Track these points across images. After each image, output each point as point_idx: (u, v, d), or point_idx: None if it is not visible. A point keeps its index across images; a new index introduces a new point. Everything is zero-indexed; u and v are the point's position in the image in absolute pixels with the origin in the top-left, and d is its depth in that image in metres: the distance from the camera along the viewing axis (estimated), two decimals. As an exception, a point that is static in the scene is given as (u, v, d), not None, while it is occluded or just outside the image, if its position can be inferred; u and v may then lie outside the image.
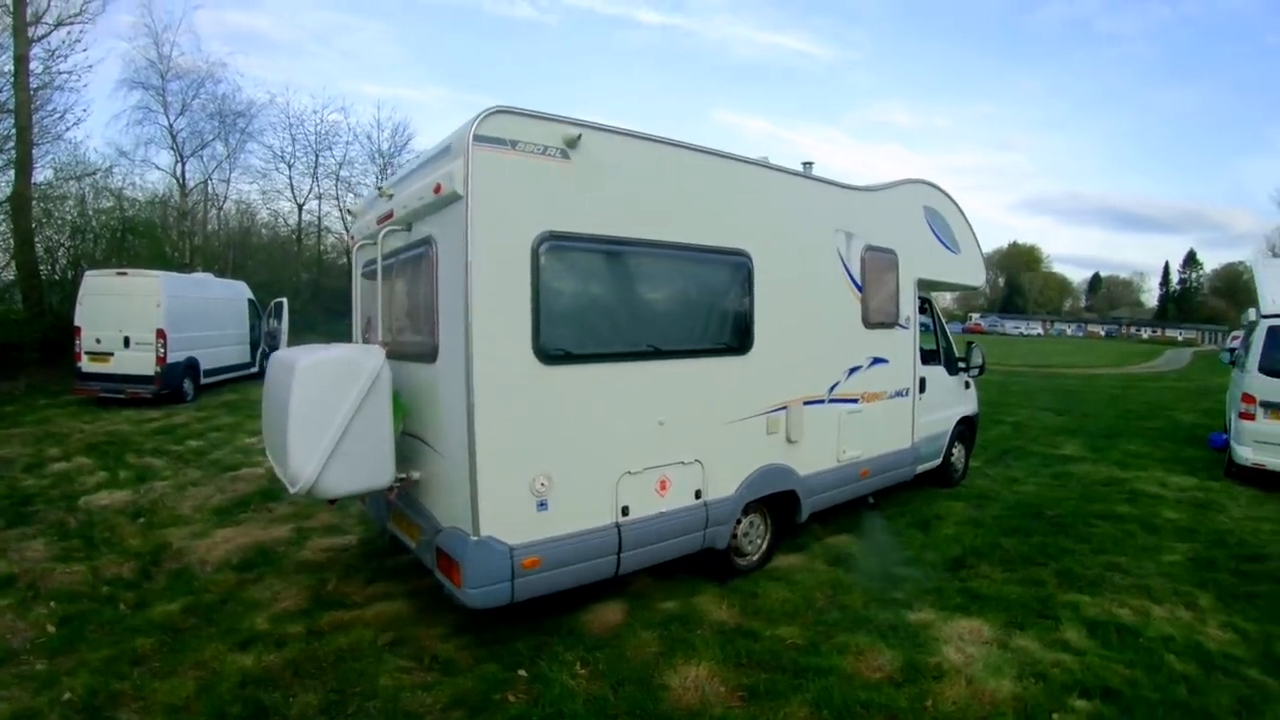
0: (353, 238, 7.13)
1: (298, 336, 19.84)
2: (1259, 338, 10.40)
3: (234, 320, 19.44)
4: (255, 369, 20.38)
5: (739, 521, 6.41)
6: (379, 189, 6.19)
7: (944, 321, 9.69)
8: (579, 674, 4.74)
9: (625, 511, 5.39)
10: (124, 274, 16.41)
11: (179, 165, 34.55)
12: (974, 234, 9.70)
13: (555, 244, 4.93)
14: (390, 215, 5.71)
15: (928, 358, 9.03)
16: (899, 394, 8.23)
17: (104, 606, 5.83)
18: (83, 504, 8.46)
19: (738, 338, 6.23)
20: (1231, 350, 16.29)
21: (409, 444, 5.43)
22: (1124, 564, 6.90)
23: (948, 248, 9.11)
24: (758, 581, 6.29)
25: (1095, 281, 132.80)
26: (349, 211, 7.53)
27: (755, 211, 6.41)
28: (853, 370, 7.50)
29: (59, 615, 5.63)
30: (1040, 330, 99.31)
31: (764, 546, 6.77)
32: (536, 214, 4.86)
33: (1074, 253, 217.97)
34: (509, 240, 4.74)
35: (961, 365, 9.90)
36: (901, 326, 8.22)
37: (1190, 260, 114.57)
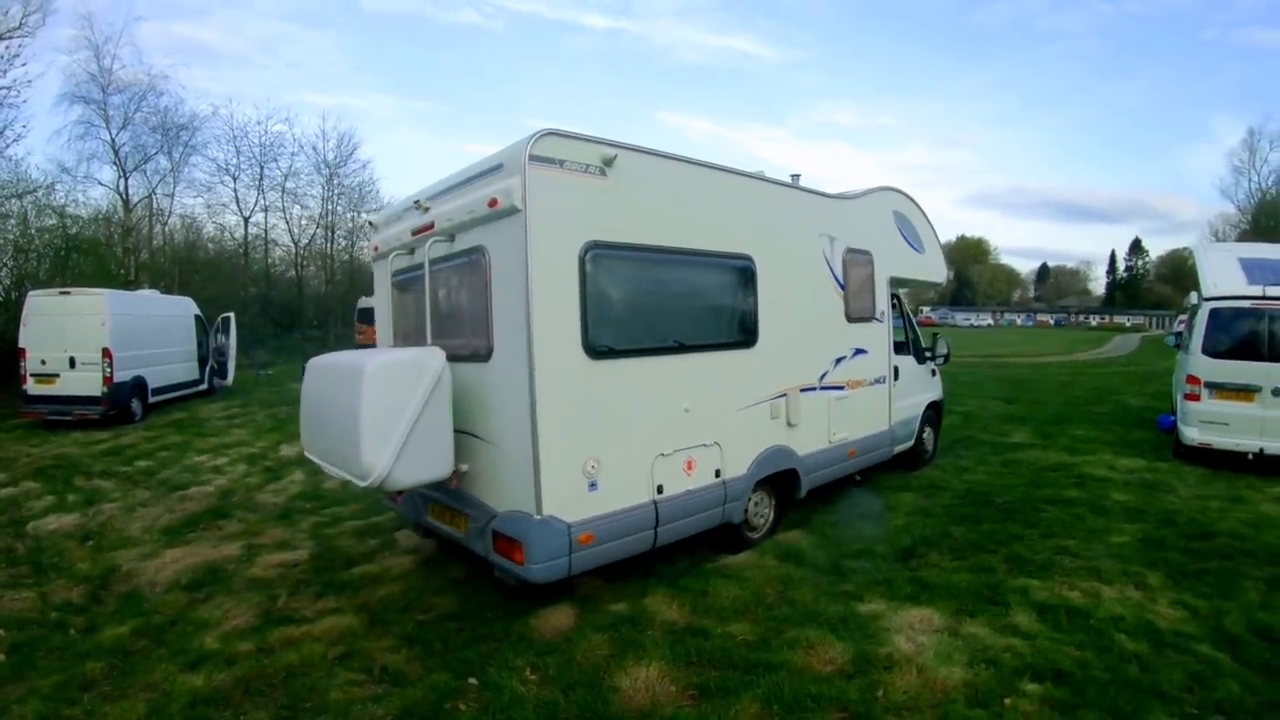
0: (375, 248, 7.42)
1: (246, 352, 19.66)
2: (1201, 320, 10.60)
3: (181, 337, 19.12)
4: (204, 386, 20.14)
5: (750, 498, 7.07)
6: (416, 202, 6.53)
7: (911, 315, 10.49)
8: (529, 679, 4.71)
9: (660, 490, 6.04)
10: (68, 293, 16.07)
11: (122, 180, 33.79)
12: (936, 235, 10.61)
13: (598, 252, 5.56)
14: (430, 227, 6.19)
15: (899, 348, 9.76)
16: (877, 381, 9.07)
17: (53, 632, 5.73)
18: (31, 529, 8.30)
19: (746, 333, 6.98)
20: (1177, 334, 16.60)
21: (456, 439, 5.69)
22: (1073, 547, 6.99)
23: (914, 248, 9.97)
24: (708, 579, 6.29)
25: (1043, 272, 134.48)
26: (370, 223, 7.88)
27: (756, 220, 7.15)
28: (839, 360, 8.31)
29: (8, 643, 5.53)
30: (990, 321, 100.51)
31: (770, 520, 7.51)
32: (581, 225, 5.47)
33: (1021, 244, 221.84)
34: (560, 249, 5.34)
35: (928, 354, 10.81)
36: (878, 320, 9.07)
37: (1136, 248, 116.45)
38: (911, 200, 10.04)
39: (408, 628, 5.51)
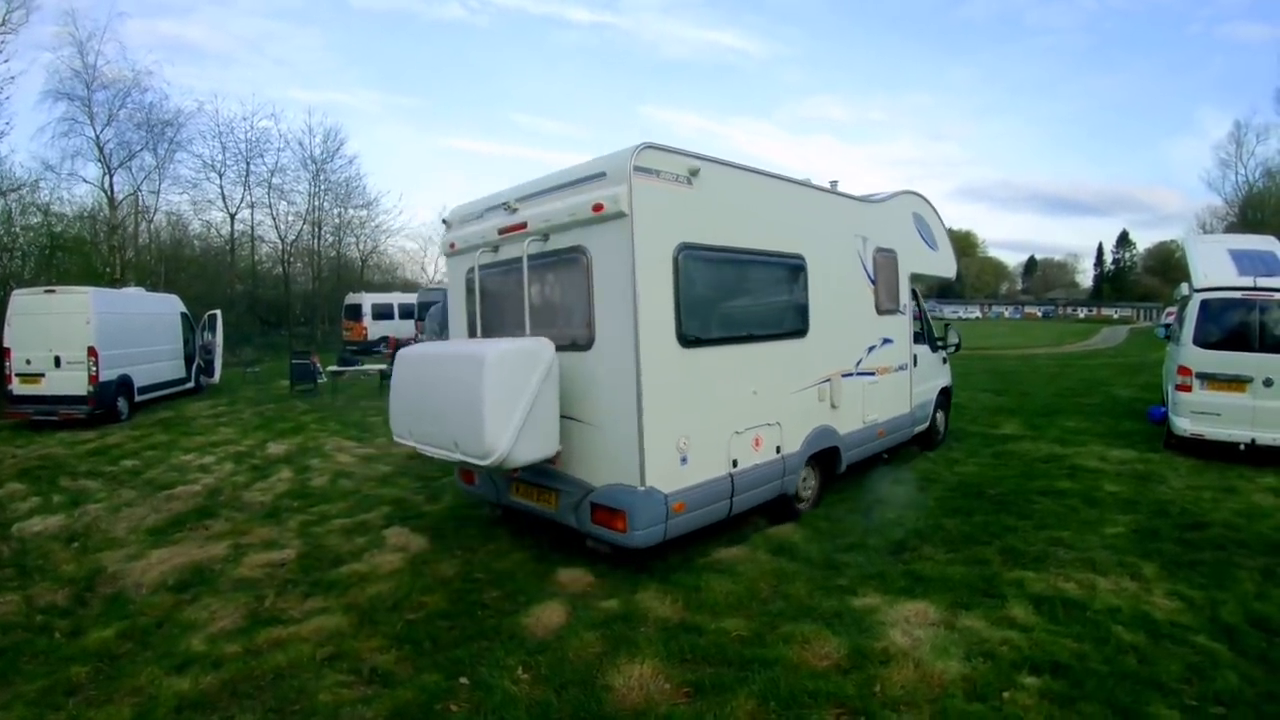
0: (452, 245, 7.86)
1: (233, 350, 19.55)
2: (1192, 312, 10.60)
3: (167, 335, 18.91)
4: (190, 384, 19.97)
5: (801, 472, 7.80)
6: (505, 204, 7.01)
7: (925, 307, 11.22)
8: (521, 678, 4.65)
9: (735, 464, 6.78)
10: (53, 292, 15.90)
11: (107, 178, 33.53)
12: (947, 233, 11.54)
13: (687, 252, 6.24)
14: (521, 226, 6.70)
15: (916, 338, 10.53)
16: (901, 368, 9.91)
17: (38, 636, 5.64)
18: (15, 531, 8.18)
19: (800, 324, 7.76)
20: (1166, 325, 16.63)
21: None
22: (1067, 539, 6.97)
23: (930, 246, 10.85)
24: (700, 575, 6.25)
25: (1031, 264, 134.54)
26: (444, 221, 8.22)
27: (806, 223, 7.93)
28: (870, 349, 9.13)
29: (-8, 648, 5.44)
30: (978, 314, 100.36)
31: (815, 493, 8.25)
32: (674, 228, 6.15)
33: (1009, 237, 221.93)
34: (658, 250, 6.01)
35: (941, 344, 11.68)
36: (901, 313, 9.89)
37: (1123, 240, 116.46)
38: (928, 202, 10.93)
39: (397, 627, 5.43)
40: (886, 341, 9.46)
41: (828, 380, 8.14)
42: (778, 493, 7.43)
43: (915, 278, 10.44)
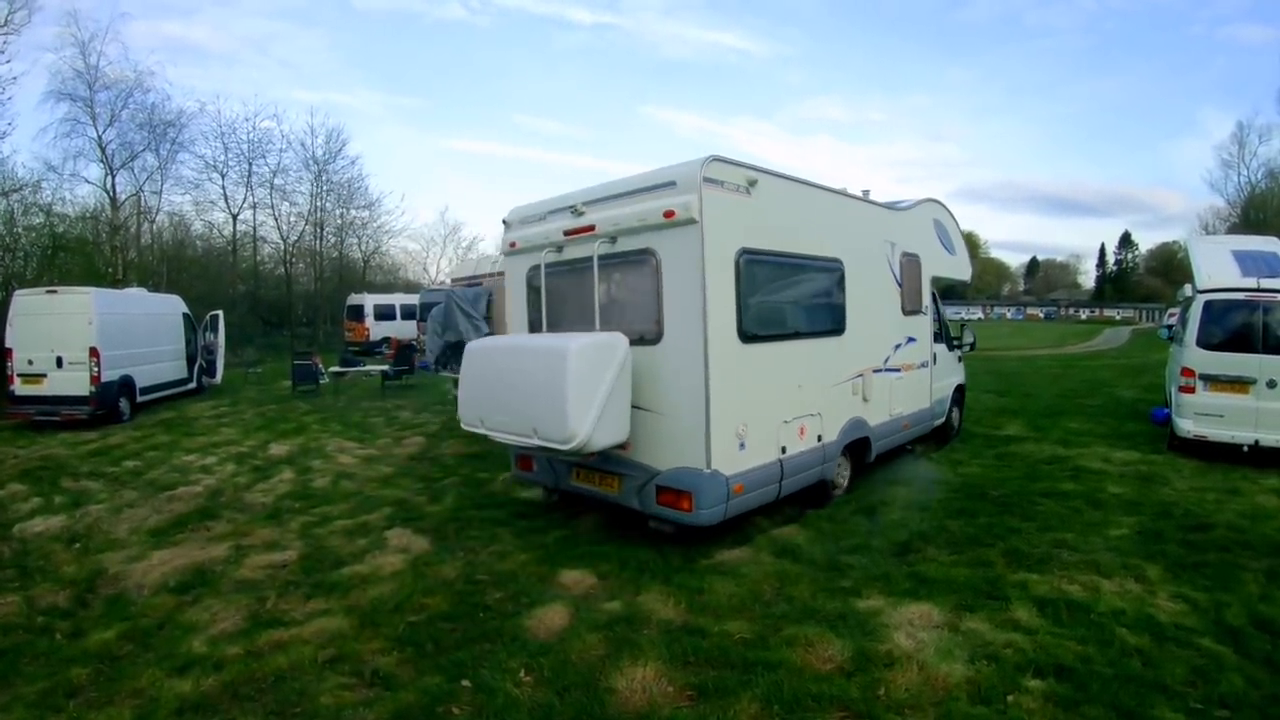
0: (512, 245, 8.29)
1: (235, 350, 19.53)
2: (1195, 313, 10.58)
3: (169, 336, 18.89)
4: (192, 385, 19.95)
5: (838, 460, 8.41)
6: (573, 207, 7.41)
7: (942, 308, 11.76)
8: (523, 681, 4.64)
9: (784, 450, 7.38)
10: (54, 292, 15.89)
11: (109, 178, 33.47)
12: (963, 239, 12.28)
13: (747, 256, 6.81)
14: (588, 229, 7.17)
15: (934, 337, 11.08)
16: (922, 365, 10.57)
17: (39, 637, 5.64)
18: (16, 532, 8.19)
19: (838, 323, 8.36)
20: (1169, 326, 16.61)
21: None
22: (1071, 540, 6.95)
23: (949, 251, 11.55)
24: (703, 577, 6.25)
25: (1033, 265, 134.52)
26: (504, 222, 8.57)
27: (844, 230, 8.55)
28: (897, 347, 9.74)
29: (-8, 649, 5.43)
30: (980, 315, 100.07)
31: (848, 480, 8.84)
32: (736, 234, 6.71)
33: (1011, 238, 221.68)
34: (723, 254, 6.55)
35: (957, 343, 12.30)
36: (923, 313, 10.53)
37: (1125, 241, 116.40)
38: (947, 210, 11.65)
39: (399, 629, 5.42)
40: (910, 340, 10.09)
41: (861, 375, 8.75)
42: (818, 478, 8.05)
43: (935, 280, 11.03)
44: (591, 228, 7.15)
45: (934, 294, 11.08)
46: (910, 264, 10.10)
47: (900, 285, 9.80)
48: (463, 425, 7.49)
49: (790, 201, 7.59)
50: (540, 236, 7.81)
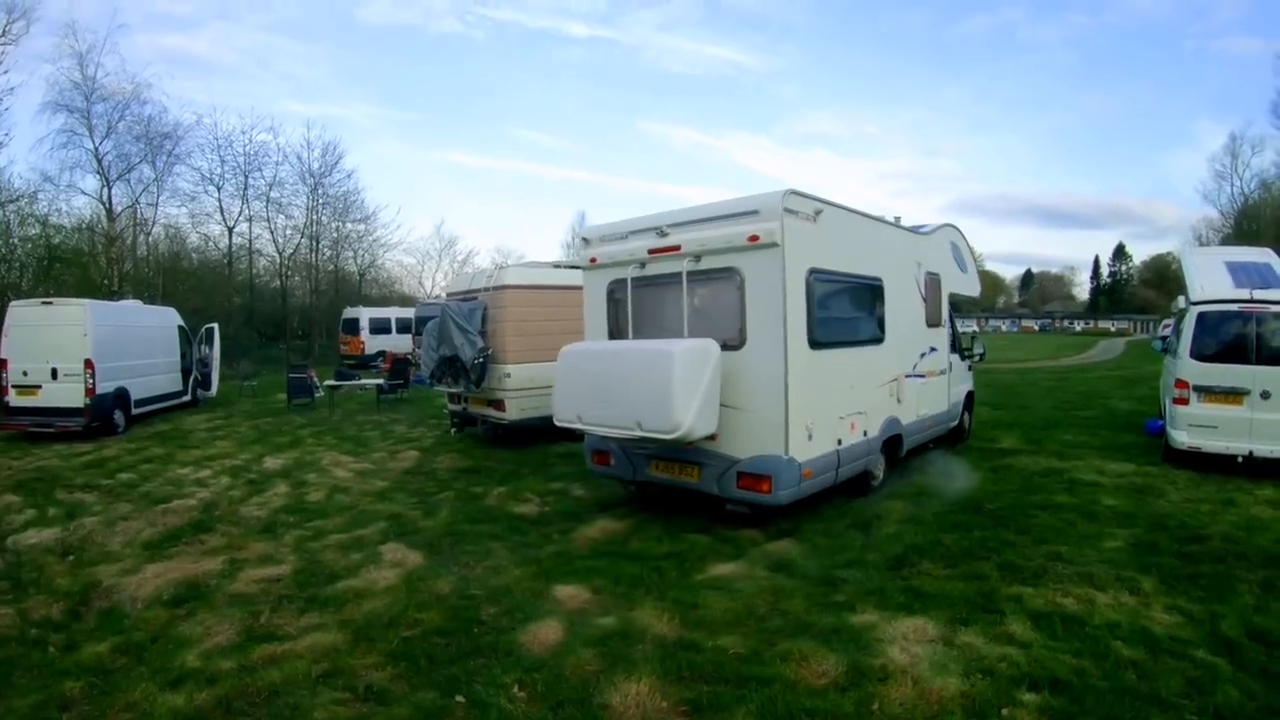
0: (593, 260, 9.16)
1: (230, 363, 19.47)
2: (1189, 324, 10.61)
3: (164, 348, 18.84)
4: (187, 398, 19.91)
5: (877, 454, 9.42)
6: (658, 229, 8.35)
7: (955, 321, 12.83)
8: (517, 696, 4.62)
9: (840, 442, 8.42)
10: (50, 303, 15.92)
11: (105, 190, 33.24)
12: (974, 260, 13.50)
13: (815, 275, 7.89)
14: (674, 249, 8.13)
15: (950, 347, 12.14)
16: (942, 372, 11.65)
17: (32, 650, 5.62)
18: (10, 543, 8.18)
19: (879, 333, 9.47)
20: (1163, 338, 16.66)
21: None
22: (1066, 553, 6.95)
23: (962, 270, 12.75)
24: (698, 591, 6.25)
25: (1027, 278, 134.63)
26: (583, 239, 9.57)
27: (884, 252, 9.72)
28: (922, 355, 10.83)
29: (-14, 661, 5.40)
30: (975, 327, 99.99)
31: (884, 473, 9.76)
32: (807, 257, 7.76)
33: (1006, 251, 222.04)
34: (798, 273, 7.60)
35: (967, 354, 13.42)
36: (942, 326, 11.66)
37: (1120, 253, 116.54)
38: (961, 233, 12.90)
39: (393, 644, 5.39)
40: (933, 350, 11.19)
41: (896, 379, 9.84)
42: (864, 469, 9.12)
43: (951, 296, 12.16)
44: (677, 248, 8.10)
45: (950, 309, 12.14)
46: (932, 282, 11.22)
47: (925, 300, 10.89)
48: (557, 421, 8.37)
49: (845, 228, 8.66)
50: (623, 253, 8.73)
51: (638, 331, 8.54)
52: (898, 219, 10.78)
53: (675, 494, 9.06)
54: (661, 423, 7.17)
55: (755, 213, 7.53)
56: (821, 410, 8.01)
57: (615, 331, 8.96)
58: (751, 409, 7.65)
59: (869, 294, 9.30)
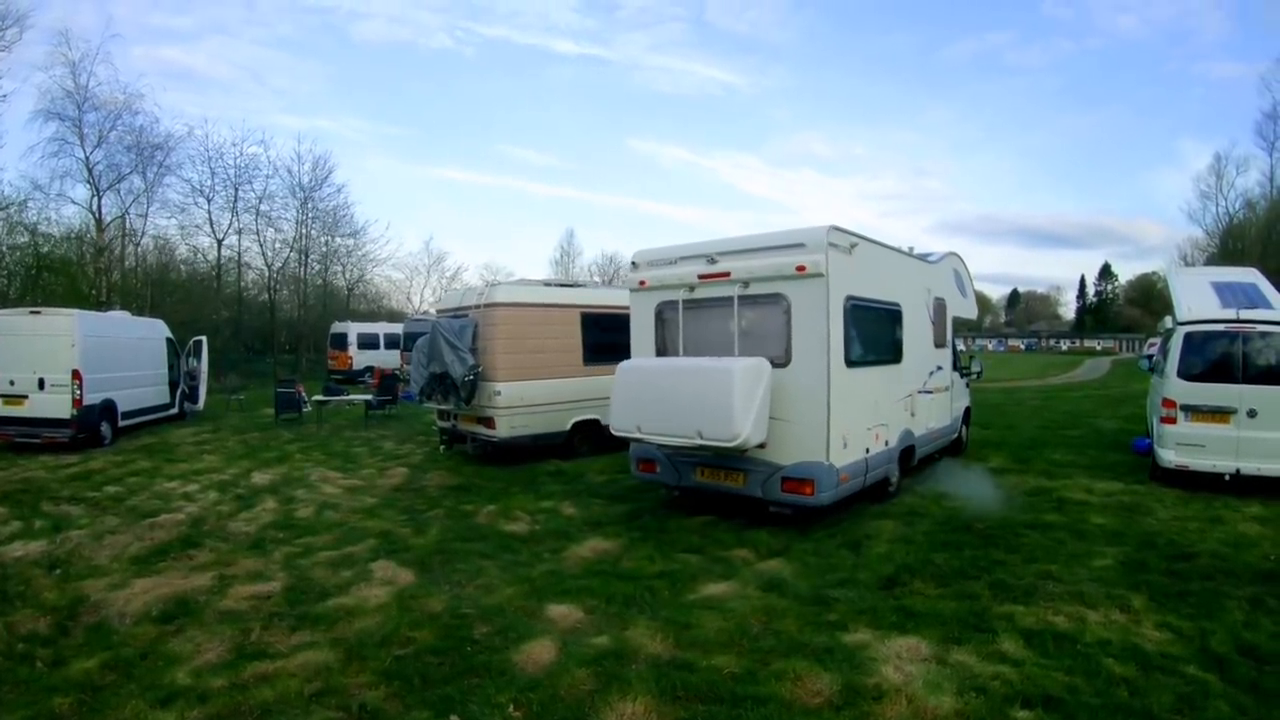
0: (643, 283, 9.89)
1: (218, 376, 19.36)
2: (1176, 344, 10.71)
3: (152, 360, 18.74)
4: (175, 410, 19.81)
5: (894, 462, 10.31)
6: (708, 256, 9.12)
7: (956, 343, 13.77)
8: (512, 716, 4.60)
9: (867, 450, 9.21)
10: (38, 313, 15.77)
11: (95, 199, 33.15)
12: (972, 283, 14.59)
13: (852, 302, 8.70)
14: (724, 275, 8.92)
15: (952, 366, 13.07)
16: (946, 388, 12.56)
17: (19, 665, 5.54)
18: (-5, 556, 8.06)
19: (898, 353, 10.41)
20: (1150, 357, 16.76)
21: None
22: (1056, 572, 6.99)
23: (963, 295, 13.73)
24: (691, 611, 6.24)
25: (1014, 297, 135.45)
26: (633, 263, 10.26)
27: (902, 280, 10.60)
28: (931, 373, 11.71)
29: (-30, 678, 5.33)
30: (962, 347, 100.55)
31: (898, 481, 10.50)
32: (845, 286, 8.55)
33: (992, 271, 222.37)
34: (838, 300, 8.39)
35: (966, 372, 14.28)
36: (947, 347, 12.60)
37: (1105, 273, 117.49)
38: (962, 261, 13.98)
39: (385, 662, 5.37)
40: (939, 368, 12.10)
41: (910, 395, 10.74)
42: (884, 475, 9.90)
43: (953, 319, 13.08)
44: (726, 274, 8.87)
45: (953, 331, 13.09)
46: (939, 306, 12.14)
47: (933, 324, 11.80)
48: (614, 431, 9.13)
49: (874, 259, 9.47)
50: (673, 277, 9.50)
51: (689, 350, 9.33)
52: (911, 249, 11.90)
53: (708, 496, 9.67)
54: (722, 432, 7.88)
55: (801, 245, 8.32)
56: (854, 422, 8.81)
57: (662, 349, 9.74)
58: (795, 420, 8.35)
59: (891, 318, 10.17)
